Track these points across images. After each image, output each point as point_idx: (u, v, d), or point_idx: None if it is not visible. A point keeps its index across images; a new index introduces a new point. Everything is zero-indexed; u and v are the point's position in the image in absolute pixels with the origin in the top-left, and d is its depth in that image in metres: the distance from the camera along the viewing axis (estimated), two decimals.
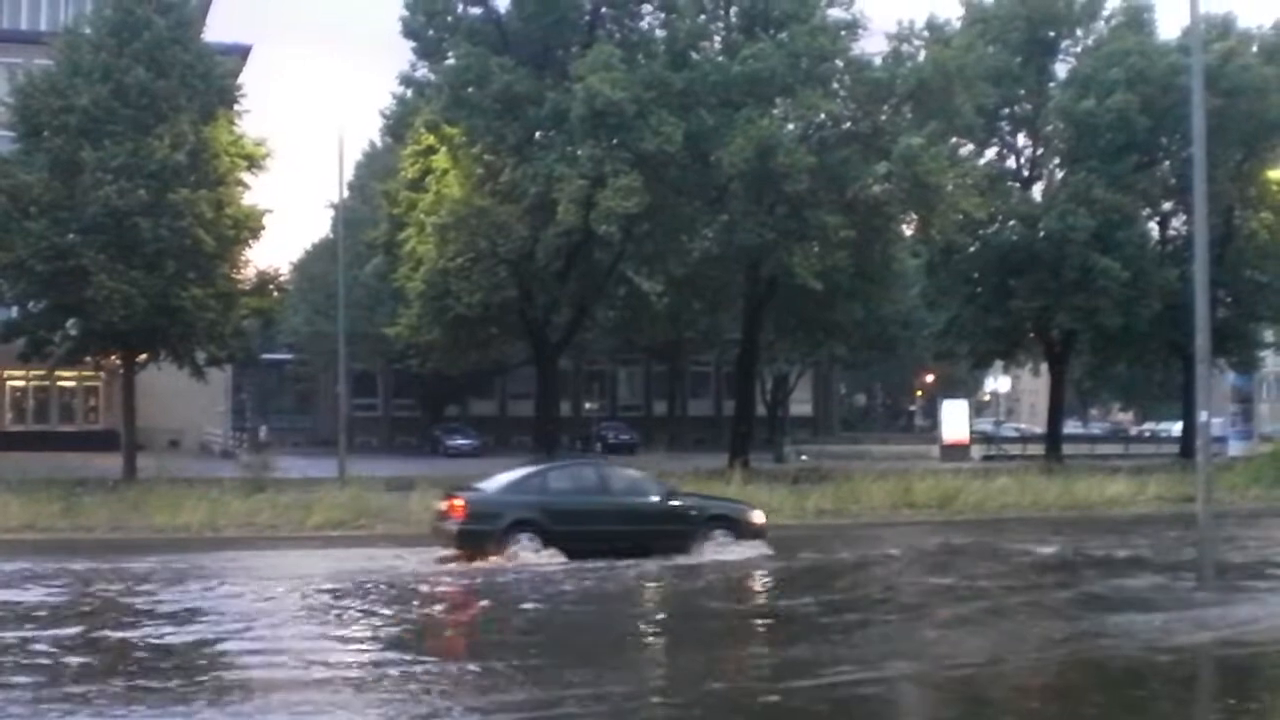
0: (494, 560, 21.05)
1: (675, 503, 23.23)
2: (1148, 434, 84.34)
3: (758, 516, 23.67)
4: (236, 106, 39.50)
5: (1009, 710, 12.42)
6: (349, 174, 61.17)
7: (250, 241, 39.31)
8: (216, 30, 43.49)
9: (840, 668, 13.33)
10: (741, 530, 23.09)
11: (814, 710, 11.87)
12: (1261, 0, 74.43)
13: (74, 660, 13.44)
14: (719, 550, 22.37)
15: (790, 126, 41.13)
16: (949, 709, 12.64)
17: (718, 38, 43.36)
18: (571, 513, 21.94)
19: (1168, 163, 49.51)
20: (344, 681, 12.72)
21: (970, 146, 49.11)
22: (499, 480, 23.01)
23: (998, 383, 77.73)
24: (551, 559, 21.16)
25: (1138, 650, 14.63)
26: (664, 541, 22.15)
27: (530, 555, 21.19)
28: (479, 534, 21.30)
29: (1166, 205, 51.44)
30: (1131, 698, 12.56)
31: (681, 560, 21.71)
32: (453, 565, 21.34)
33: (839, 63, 41.68)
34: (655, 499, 23.11)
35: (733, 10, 43.22)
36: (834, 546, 25.20)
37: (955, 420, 59.32)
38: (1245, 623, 16.36)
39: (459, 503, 21.71)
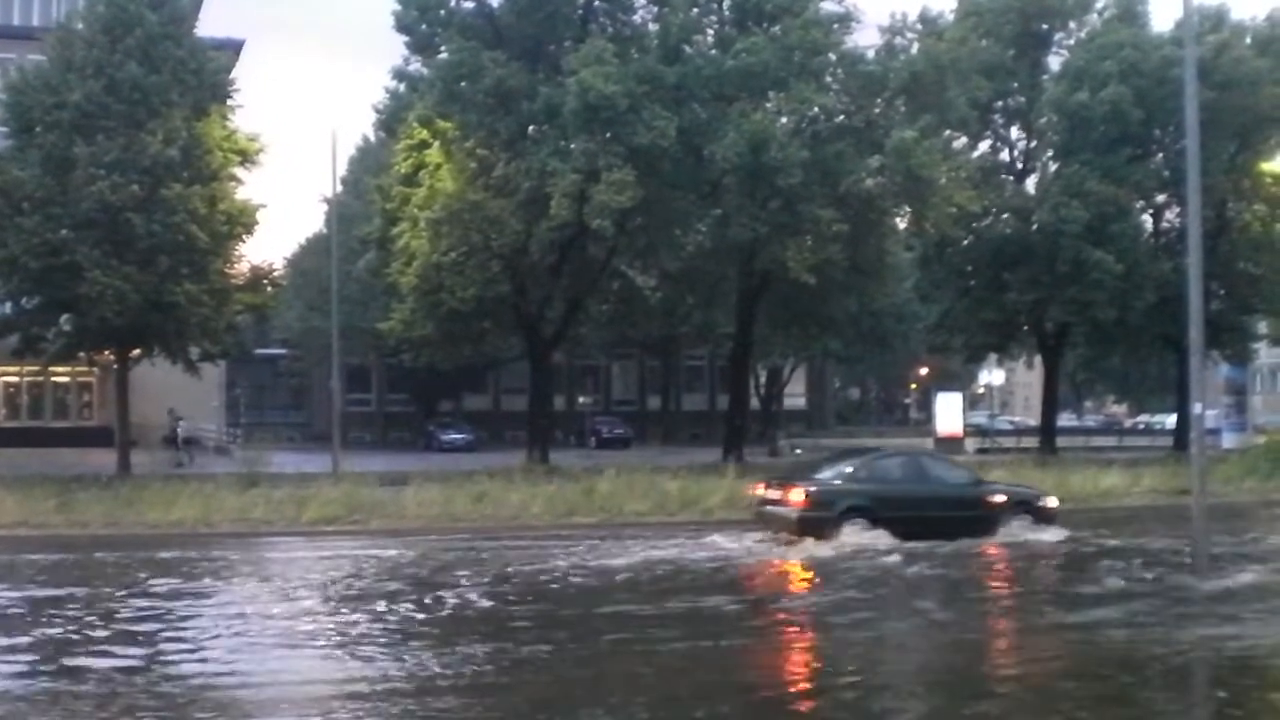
0: (831, 542, 22.54)
1: (983, 488, 24.95)
2: (1142, 426, 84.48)
3: (1052, 502, 25.39)
4: (229, 102, 39.58)
5: (992, 703, 12.41)
6: (342, 169, 61.32)
7: (243, 237, 39.41)
8: (209, 25, 43.48)
9: None
10: (1040, 515, 24.70)
11: None
12: None
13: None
14: (1024, 533, 24.00)
15: (783, 120, 41.14)
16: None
17: (710, 31, 43.33)
18: (897, 499, 23.57)
19: (1161, 155, 49.54)
20: None
21: (963, 140, 49.21)
22: (830, 469, 25.11)
23: (992, 376, 77.60)
24: (879, 541, 22.58)
25: (1128, 643, 14.64)
26: (974, 525, 23.75)
27: (861, 538, 22.74)
28: (818, 519, 23.07)
29: (1160, 198, 51.43)
30: (1122, 690, 12.57)
31: (1005, 540, 23.55)
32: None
33: (832, 56, 41.71)
34: (967, 485, 24.95)
35: (725, 4, 43.20)
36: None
37: (949, 413, 59.25)
38: (1238, 616, 16.37)
39: (801, 491, 23.49)
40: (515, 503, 29.17)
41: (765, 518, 24.42)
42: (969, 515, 23.86)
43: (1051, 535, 24.05)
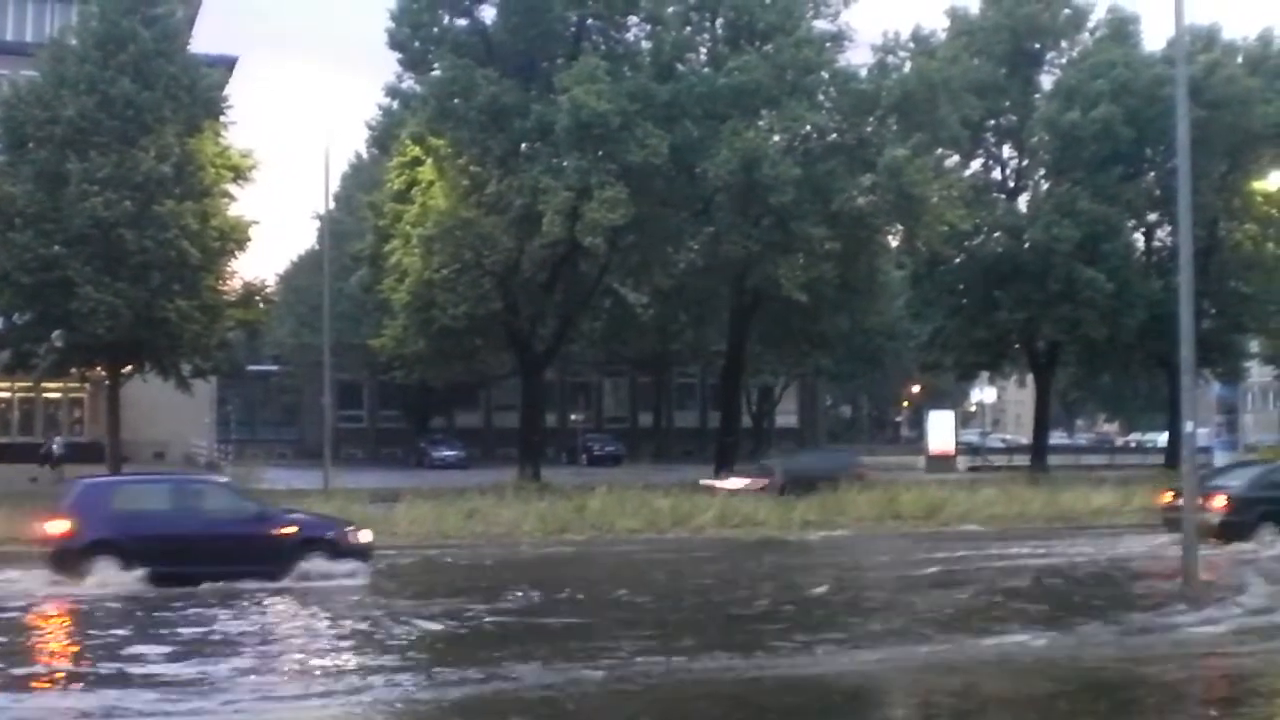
0: (1250, 543, 24.69)
1: None
2: (1133, 444, 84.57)
3: None
4: (222, 118, 39.56)
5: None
6: (335, 186, 61.32)
7: (236, 253, 39.35)
8: (202, 42, 43.31)
9: None
10: None
11: None
12: (1246, 12, 74.81)
13: None
14: None
15: (776, 138, 41.22)
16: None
17: (703, 50, 43.47)
18: None
19: (1152, 174, 49.67)
20: None
21: (955, 158, 49.30)
22: (1237, 477, 27.69)
23: (983, 394, 77.87)
24: None
25: (1118, 658, 14.65)
26: None
27: (1267, 540, 24.79)
28: (1238, 523, 25.15)
29: (1151, 216, 51.59)
30: (1109, 705, 12.57)
31: None
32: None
33: (824, 74, 41.85)
34: None
35: (718, 22, 43.32)
36: None
37: (941, 431, 59.25)
38: (1226, 629, 16.38)
39: (1224, 498, 25.63)
40: (507, 519, 29.12)
41: (1172, 521, 25.72)
42: None
43: None
